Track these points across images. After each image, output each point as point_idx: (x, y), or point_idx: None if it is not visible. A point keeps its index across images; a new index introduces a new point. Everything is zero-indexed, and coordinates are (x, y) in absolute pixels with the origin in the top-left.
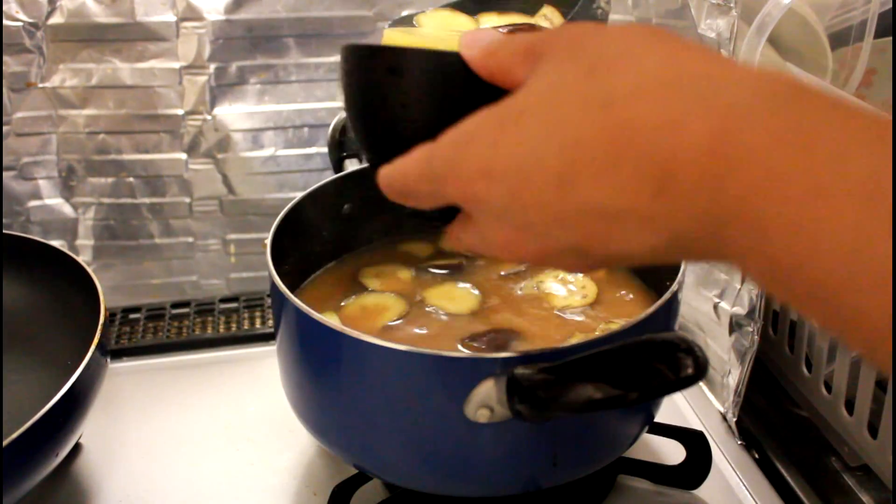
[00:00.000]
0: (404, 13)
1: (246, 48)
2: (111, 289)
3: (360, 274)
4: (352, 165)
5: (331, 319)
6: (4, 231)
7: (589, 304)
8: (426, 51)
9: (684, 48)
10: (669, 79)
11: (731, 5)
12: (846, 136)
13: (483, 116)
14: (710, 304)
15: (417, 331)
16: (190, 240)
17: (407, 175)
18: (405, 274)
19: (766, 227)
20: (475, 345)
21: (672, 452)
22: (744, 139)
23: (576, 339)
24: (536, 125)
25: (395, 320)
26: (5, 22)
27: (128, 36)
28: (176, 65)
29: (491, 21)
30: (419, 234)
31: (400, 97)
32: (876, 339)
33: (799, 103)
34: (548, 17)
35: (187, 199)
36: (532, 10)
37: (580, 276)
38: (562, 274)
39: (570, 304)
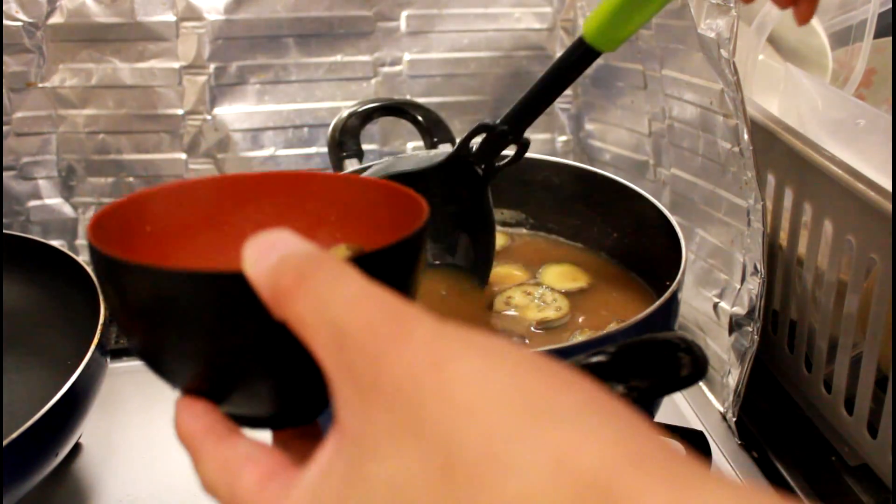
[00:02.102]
0: (404, 13)
1: (246, 48)
2: None
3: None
4: (352, 165)
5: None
6: (4, 231)
7: (565, 315)
8: (199, 274)
9: (573, 432)
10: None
11: (731, 5)
12: None
13: None
14: (710, 304)
15: None
16: None
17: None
18: None
19: None
20: None
21: None
22: None
23: (581, 338)
24: None
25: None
26: (5, 22)
27: (128, 36)
28: (176, 65)
29: None
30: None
31: (172, 327)
32: None
33: None
34: None
35: None
36: None
37: (545, 289)
38: (528, 289)
39: (545, 316)
